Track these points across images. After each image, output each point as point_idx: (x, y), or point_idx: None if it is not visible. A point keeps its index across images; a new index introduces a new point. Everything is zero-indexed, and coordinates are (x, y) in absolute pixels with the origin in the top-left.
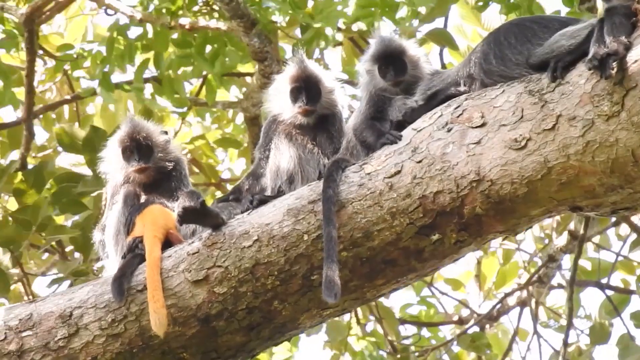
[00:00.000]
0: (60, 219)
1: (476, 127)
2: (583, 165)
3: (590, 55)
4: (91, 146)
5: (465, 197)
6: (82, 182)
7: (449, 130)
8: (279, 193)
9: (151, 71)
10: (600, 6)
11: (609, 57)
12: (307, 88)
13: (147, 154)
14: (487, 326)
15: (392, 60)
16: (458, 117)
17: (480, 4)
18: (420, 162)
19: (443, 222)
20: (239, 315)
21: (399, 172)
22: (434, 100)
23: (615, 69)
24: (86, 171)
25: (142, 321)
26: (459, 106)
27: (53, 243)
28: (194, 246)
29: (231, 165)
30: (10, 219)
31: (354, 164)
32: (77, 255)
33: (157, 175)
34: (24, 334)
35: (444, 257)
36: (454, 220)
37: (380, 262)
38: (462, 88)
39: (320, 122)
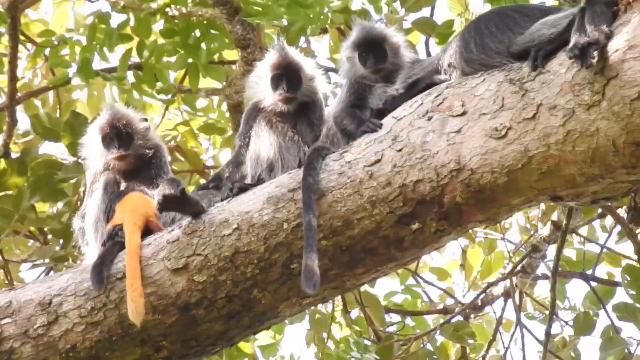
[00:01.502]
0: (41, 207)
1: (456, 115)
2: (563, 155)
3: (571, 44)
4: (72, 132)
5: (446, 186)
6: (64, 168)
7: (429, 119)
8: (259, 181)
9: (133, 60)
10: None
11: (589, 46)
12: (287, 75)
13: (126, 142)
14: (472, 316)
15: (372, 48)
16: (438, 105)
17: None
18: (400, 150)
19: (423, 211)
20: (218, 303)
21: (379, 160)
22: (415, 88)
23: (596, 58)
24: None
25: (122, 309)
26: (439, 94)
27: (32, 228)
28: (174, 234)
29: (215, 152)
30: None
31: (334, 152)
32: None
33: (137, 162)
34: (3, 321)
35: (424, 246)
36: (434, 209)
37: (360, 250)
38: (442, 76)
39: (300, 110)
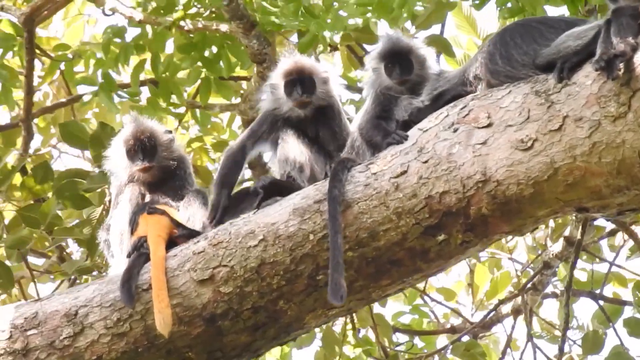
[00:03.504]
0: (65, 217)
1: (482, 127)
2: (589, 166)
3: (597, 56)
4: (98, 142)
5: (472, 197)
6: (89, 178)
7: (455, 131)
8: (288, 179)
9: (146, 76)
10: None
11: (615, 58)
12: (300, 80)
13: (151, 154)
14: (480, 335)
15: (398, 59)
16: (464, 117)
17: (477, 2)
18: (426, 162)
19: (449, 222)
20: (244, 314)
21: (405, 172)
22: (440, 100)
23: (622, 70)
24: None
25: (148, 320)
26: (465, 106)
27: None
28: (200, 245)
29: None
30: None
31: (359, 164)
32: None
33: (161, 174)
34: (29, 332)
35: (450, 257)
36: (460, 220)
37: (386, 262)
38: (468, 88)
39: (319, 116)
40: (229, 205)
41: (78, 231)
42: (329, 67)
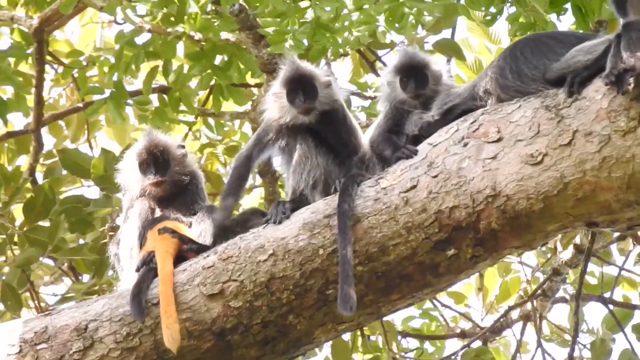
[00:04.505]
0: (69, 241)
1: (492, 142)
2: (599, 181)
3: (607, 71)
4: (102, 169)
5: (481, 212)
6: (93, 201)
7: (465, 145)
8: (300, 196)
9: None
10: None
11: (625, 73)
12: (302, 87)
13: (163, 168)
14: (490, 340)
15: (414, 73)
16: (474, 131)
17: (488, 18)
18: (436, 176)
19: (459, 237)
20: (254, 329)
21: (414, 186)
22: (450, 114)
23: (632, 85)
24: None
25: (157, 335)
26: (475, 121)
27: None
28: (209, 260)
29: None
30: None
31: (369, 178)
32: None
33: (173, 188)
34: (39, 347)
35: (460, 272)
36: (469, 235)
37: (396, 276)
38: (478, 103)
39: (325, 122)
40: (238, 221)
41: (87, 252)
42: (328, 72)
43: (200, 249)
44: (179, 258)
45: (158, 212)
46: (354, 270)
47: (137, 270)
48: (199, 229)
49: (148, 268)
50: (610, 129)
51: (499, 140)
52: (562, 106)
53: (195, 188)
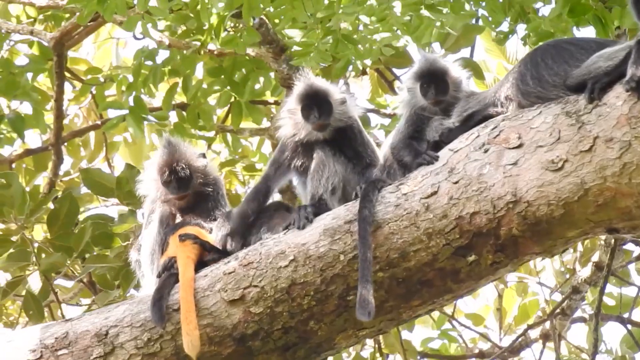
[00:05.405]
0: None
1: (513, 148)
2: (620, 187)
3: (627, 77)
4: (125, 185)
5: (502, 218)
6: (119, 216)
7: (485, 151)
8: (319, 201)
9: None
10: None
11: None
12: (317, 103)
13: (186, 183)
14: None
15: (434, 80)
16: (495, 138)
17: (501, 36)
18: (456, 182)
19: (479, 243)
20: (274, 335)
21: (435, 192)
22: (471, 121)
23: None
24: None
25: (178, 340)
26: (495, 127)
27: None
28: (230, 266)
29: None
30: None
31: (390, 184)
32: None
33: (195, 198)
34: (59, 352)
35: (480, 278)
36: (490, 241)
37: (417, 282)
38: (499, 109)
39: (340, 138)
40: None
41: (113, 259)
42: (343, 89)
43: (223, 255)
44: (200, 263)
45: (179, 218)
46: (374, 276)
47: (159, 275)
48: (220, 234)
49: (169, 274)
50: (630, 135)
51: (519, 146)
52: (583, 112)
53: (216, 194)
